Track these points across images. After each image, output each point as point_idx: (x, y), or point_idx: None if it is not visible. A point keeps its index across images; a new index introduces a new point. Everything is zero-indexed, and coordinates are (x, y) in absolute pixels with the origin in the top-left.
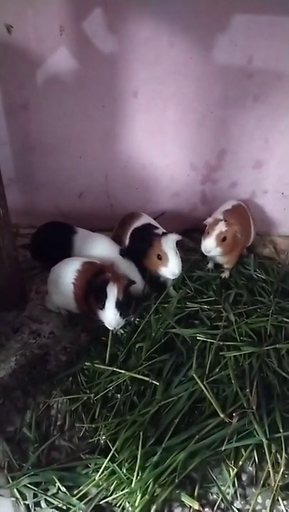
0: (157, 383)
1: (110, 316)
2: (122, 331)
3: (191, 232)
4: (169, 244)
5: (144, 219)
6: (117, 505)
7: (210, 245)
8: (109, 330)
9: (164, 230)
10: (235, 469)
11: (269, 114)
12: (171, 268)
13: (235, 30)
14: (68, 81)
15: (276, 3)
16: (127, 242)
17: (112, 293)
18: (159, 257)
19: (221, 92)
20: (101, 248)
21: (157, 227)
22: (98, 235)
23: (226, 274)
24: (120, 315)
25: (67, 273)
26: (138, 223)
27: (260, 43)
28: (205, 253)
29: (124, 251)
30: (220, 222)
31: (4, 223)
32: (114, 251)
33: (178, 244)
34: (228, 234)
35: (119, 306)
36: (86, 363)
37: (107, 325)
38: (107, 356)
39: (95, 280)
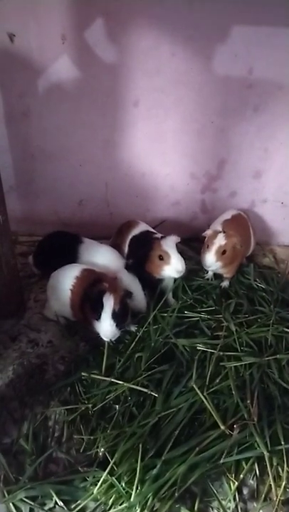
0: (156, 395)
1: (106, 328)
2: (114, 341)
3: (191, 241)
4: (169, 244)
5: (142, 227)
6: None
7: (210, 260)
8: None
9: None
10: (236, 483)
11: (269, 124)
12: (174, 265)
13: (235, 40)
14: (69, 89)
15: (275, 15)
16: (126, 250)
17: (109, 304)
18: (161, 258)
19: (222, 101)
20: (106, 259)
21: (155, 233)
22: (104, 246)
23: (225, 284)
24: (116, 326)
25: (66, 279)
26: (136, 231)
27: (260, 53)
28: (205, 268)
29: (130, 265)
30: (219, 235)
31: (3, 230)
32: (120, 264)
33: (177, 247)
34: (228, 246)
35: (116, 317)
36: (84, 373)
37: (102, 336)
38: (104, 367)
39: (91, 289)
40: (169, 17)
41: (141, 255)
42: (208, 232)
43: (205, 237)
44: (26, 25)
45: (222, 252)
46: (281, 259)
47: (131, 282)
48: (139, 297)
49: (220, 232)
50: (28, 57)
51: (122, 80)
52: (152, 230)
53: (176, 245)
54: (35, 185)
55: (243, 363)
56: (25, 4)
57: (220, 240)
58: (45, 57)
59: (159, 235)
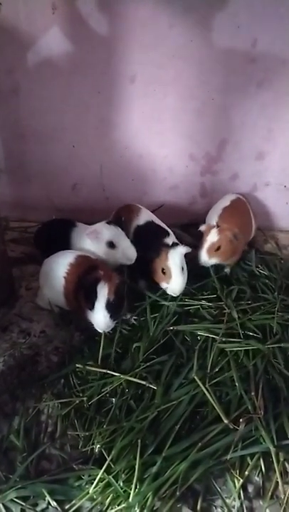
0: (155, 387)
1: (100, 319)
2: (110, 331)
3: (190, 226)
4: (175, 260)
5: (145, 214)
6: None
7: (203, 258)
8: None
9: (175, 240)
10: (241, 480)
11: (273, 102)
12: (172, 286)
13: (238, 10)
14: (61, 64)
15: None
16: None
17: (103, 293)
18: (164, 272)
19: (223, 77)
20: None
21: (163, 229)
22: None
23: (227, 271)
24: (110, 317)
25: (60, 266)
26: (140, 220)
27: (265, 24)
28: (202, 265)
29: (111, 221)
30: (211, 231)
31: None
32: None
33: (176, 235)
34: (222, 242)
35: (110, 307)
36: (79, 365)
37: (96, 327)
38: (99, 358)
39: (85, 277)
40: None
41: (148, 258)
42: (203, 227)
43: (201, 232)
44: None
45: (216, 249)
46: (283, 245)
47: (114, 234)
48: (125, 244)
49: (213, 226)
50: (16, 28)
51: (117, 54)
52: (158, 222)
53: (176, 234)
54: (26, 168)
55: (245, 348)
56: None
57: (212, 237)
58: (34, 28)
59: (170, 240)
